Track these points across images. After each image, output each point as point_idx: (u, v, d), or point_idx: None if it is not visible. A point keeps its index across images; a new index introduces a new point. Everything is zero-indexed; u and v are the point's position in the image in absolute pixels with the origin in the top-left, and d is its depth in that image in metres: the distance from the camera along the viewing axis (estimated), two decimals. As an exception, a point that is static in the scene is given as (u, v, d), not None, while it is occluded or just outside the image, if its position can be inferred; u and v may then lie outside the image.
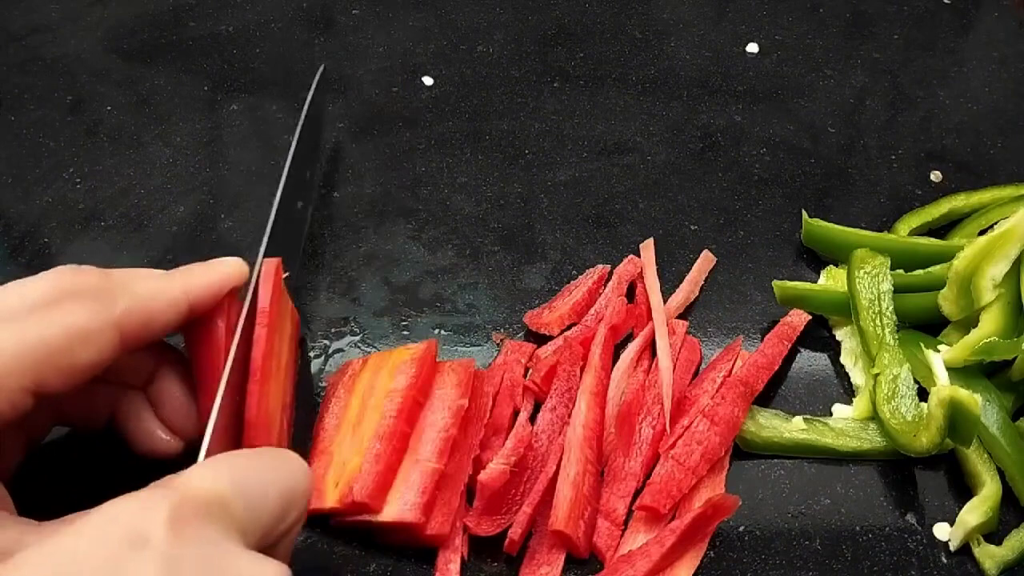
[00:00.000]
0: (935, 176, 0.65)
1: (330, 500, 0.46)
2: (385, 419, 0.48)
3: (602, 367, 0.52)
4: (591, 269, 0.59)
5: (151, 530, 0.31)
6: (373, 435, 0.47)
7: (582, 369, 0.52)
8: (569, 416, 0.50)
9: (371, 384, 0.50)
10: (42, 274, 0.40)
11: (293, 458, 0.39)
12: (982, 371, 0.52)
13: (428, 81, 0.70)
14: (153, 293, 0.42)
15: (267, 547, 0.36)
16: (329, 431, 0.49)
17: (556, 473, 0.48)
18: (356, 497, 0.45)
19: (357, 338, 0.56)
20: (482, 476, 0.47)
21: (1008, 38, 0.76)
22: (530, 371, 0.53)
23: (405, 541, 0.47)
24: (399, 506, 0.46)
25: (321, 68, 0.61)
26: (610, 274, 0.58)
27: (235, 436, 0.43)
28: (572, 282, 0.58)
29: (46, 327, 0.38)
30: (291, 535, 0.38)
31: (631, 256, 0.59)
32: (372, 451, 0.46)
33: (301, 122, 0.56)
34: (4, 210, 0.62)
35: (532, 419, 0.51)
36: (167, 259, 0.59)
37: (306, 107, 0.57)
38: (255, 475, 0.36)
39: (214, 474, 0.34)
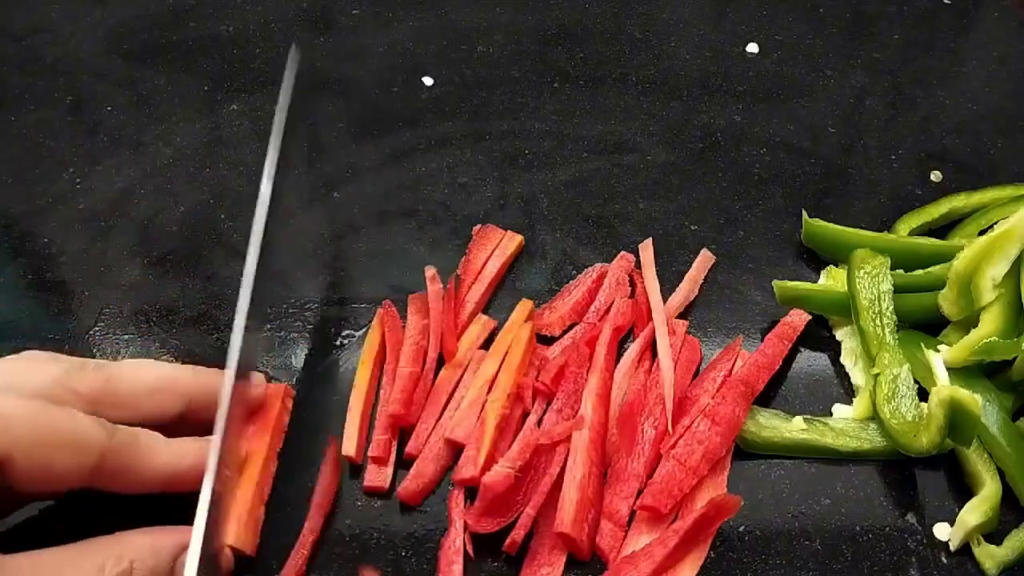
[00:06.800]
0: (935, 176, 0.65)
1: None
2: None
3: (606, 368, 0.52)
4: (590, 268, 0.59)
5: None
6: None
7: (587, 370, 0.52)
8: (574, 417, 0.50)
9: None
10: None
11: None
12: (982, 371, 0.52)
13: (428, 81, 0.70)
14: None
15: None
16: None
17: (560, 475, 0.48)
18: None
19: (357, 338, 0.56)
20: (486, 478, 0.46)
21: (1008, 38, 0.76)
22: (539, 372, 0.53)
23: None
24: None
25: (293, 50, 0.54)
26: (610, 274, 0.58)
27: None
28: (572, 282, 0.58)
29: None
30: None
31: (623, 253, 0.59)
32: None
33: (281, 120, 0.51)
34: (4, 210, 0.62)
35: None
36: (167, 259, 0.59)
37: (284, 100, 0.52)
38: None
39: None
